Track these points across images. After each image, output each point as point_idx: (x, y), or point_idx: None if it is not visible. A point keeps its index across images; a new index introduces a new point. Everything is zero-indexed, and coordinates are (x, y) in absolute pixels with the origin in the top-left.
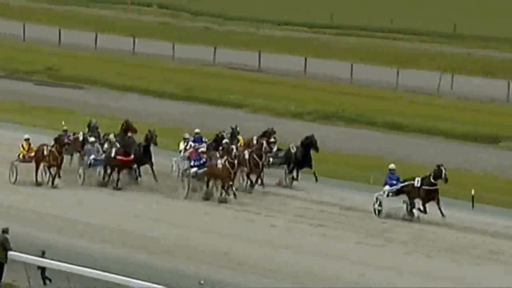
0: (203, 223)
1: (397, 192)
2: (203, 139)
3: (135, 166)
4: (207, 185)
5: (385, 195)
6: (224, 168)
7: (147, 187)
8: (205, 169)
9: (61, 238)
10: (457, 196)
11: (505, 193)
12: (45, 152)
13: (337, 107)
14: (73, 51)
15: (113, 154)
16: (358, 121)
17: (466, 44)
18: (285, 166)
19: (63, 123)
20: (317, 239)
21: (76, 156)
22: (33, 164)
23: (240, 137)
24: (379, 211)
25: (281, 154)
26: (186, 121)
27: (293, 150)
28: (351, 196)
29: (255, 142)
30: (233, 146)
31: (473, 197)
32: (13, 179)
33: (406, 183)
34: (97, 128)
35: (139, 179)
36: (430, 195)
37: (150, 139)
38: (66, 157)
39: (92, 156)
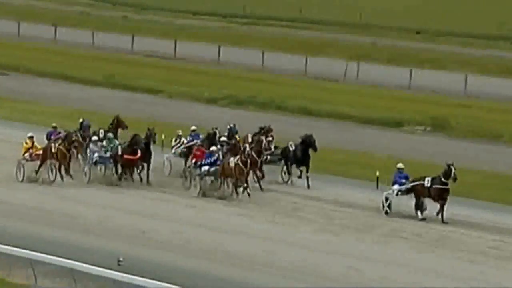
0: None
1: (407, 191)
2: (200, 136)
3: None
4: (220, 184)
5: (394, 194)
6: (237, 167)
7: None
8: (217, 167)
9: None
10: (363, 177)
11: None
12: (53, 150)
13: (249, 93)
14: None
15: (119, 152)
16: (269, 106)
17: (371, 33)
18: (281, 163)
19: (53, 124)
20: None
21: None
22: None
23: (237, 136)
24: (388, 210)
25: (278, 151)
26: (107, 106)
27: (291, 148)
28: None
29: (250, 139)
30: (246, 145)
31: (377, 178)
32: (20, 177)
33: (416, 182)
34: (90, 127)
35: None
36: (441, 195)
37: (150, 137)
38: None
39: (97, 154)
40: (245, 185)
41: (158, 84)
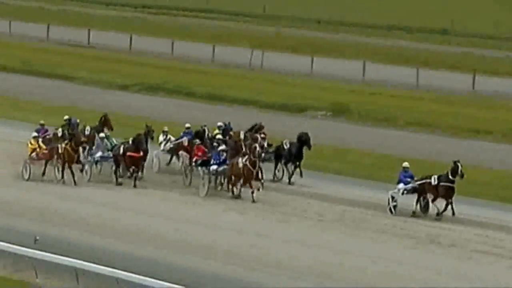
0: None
1: (413, 190)
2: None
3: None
4: (228, 184)
5: (400, 193)
6: (245, 167)
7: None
8: (226, 167)
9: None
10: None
11: (313, 157)
12: (60, 150)
13: (160, 80)
14: None
15: (121, 151)
16: (178, 92)
17: (275, 24)
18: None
19: (41, 122)
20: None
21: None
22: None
23: (232, 133)
24: (394, 208)
25: (271, 149)
26: (23, 91)
27: (286, 146)
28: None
29: (242, 137)
30: (256, 145)
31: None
32: (26, 176)
33: (423, 181)
34: (78, 125)
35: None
36: (449, 193)
37: (147, 134)
38: None
39: (99, 154)
40: (253, 188)
41: (72, 71)
